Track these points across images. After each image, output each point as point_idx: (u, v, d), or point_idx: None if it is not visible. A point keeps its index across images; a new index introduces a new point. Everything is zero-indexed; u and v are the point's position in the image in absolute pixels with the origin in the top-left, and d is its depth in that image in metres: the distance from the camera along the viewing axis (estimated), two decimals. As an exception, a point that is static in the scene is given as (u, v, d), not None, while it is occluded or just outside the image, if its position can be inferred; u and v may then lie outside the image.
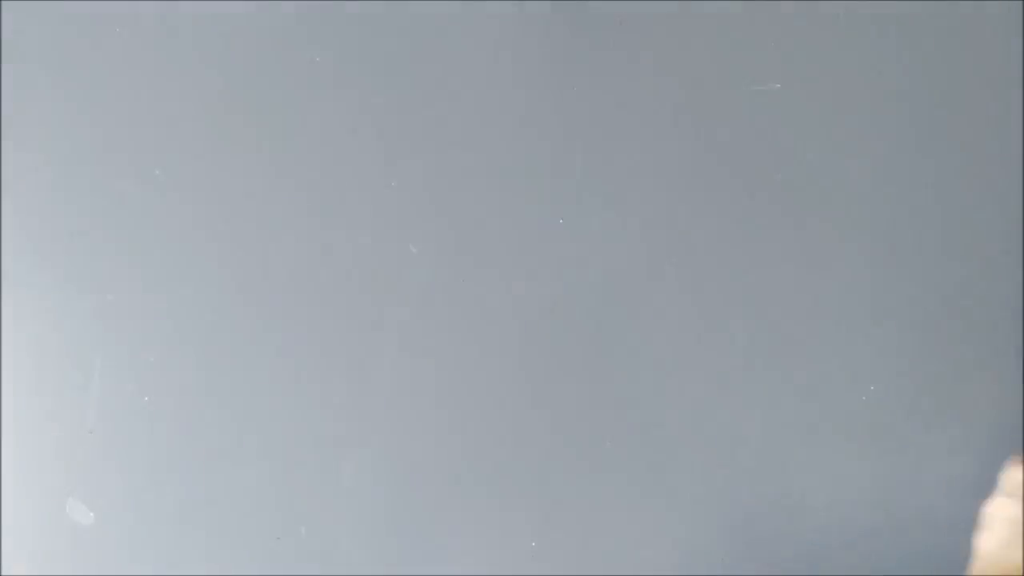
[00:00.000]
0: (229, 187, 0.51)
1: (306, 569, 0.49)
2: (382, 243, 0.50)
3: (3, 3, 0.50)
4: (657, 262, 0.49)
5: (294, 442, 0.49)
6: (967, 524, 0.43)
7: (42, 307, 0.51)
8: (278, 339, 0.49)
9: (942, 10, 0.46)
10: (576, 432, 0.45)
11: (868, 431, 0.47)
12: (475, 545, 0.47)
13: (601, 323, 0.49)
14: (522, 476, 0.48)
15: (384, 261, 0.50)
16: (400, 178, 0.50)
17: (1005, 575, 0.41)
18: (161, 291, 0.49)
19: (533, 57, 0.49)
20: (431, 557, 0.48)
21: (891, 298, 0.47)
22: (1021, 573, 0.41)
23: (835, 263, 0.47)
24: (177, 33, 0.50)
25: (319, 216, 0.50)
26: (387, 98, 0.50)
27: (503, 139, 0.50)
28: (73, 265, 0.51)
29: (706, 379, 0.47)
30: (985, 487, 0.43)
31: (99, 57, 0.51)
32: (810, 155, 0.47)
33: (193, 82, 0.50)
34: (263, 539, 0.49)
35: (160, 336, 0.47)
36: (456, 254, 0.50)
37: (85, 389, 0.50)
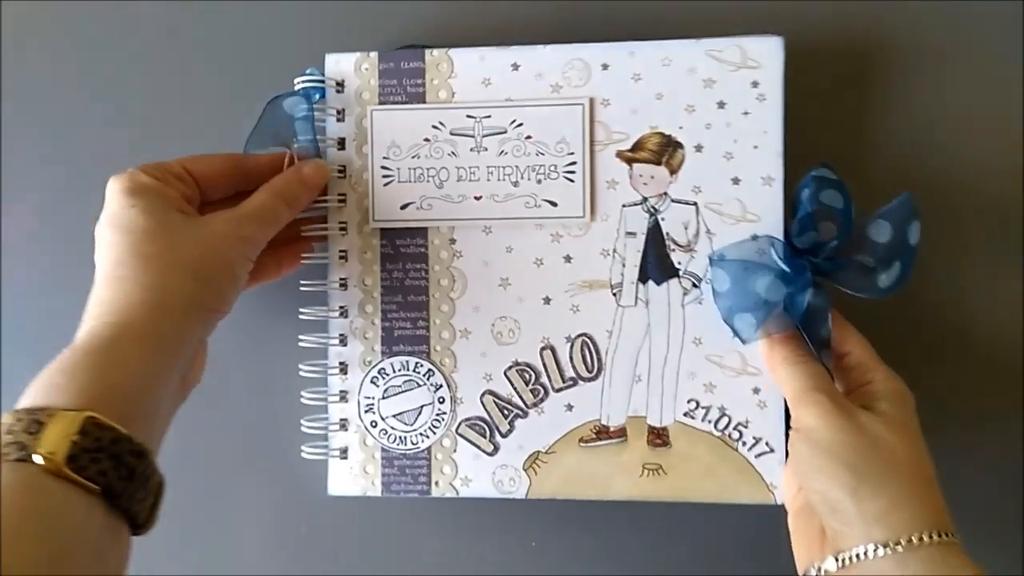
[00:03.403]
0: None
1: (306, 569, 0.50)
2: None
3: (3, 3, 0.52)
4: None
5: (295, 441, 0.48)
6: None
7: (42, 307, 0.51)
8: (279, 338, 0.49)
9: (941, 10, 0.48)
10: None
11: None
12: (476, 544, 0.50)
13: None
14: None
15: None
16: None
17: None
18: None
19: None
20: (432, 557, 0.50)
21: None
22: None
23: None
24: (179, 33, 0.51)
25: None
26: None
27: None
28: (73, 264, 0.48)
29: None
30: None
31: (100, 56, 0.51)
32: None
33: (194, 82, 0.51)
34: (263, 539, 0.50)
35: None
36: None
37: None
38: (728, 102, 0.45)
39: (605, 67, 0.46)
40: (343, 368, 0.47)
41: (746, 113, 0.45)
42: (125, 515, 0.33)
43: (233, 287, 0.41)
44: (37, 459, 0.31)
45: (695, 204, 0.45)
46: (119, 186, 0.40)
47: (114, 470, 0.33)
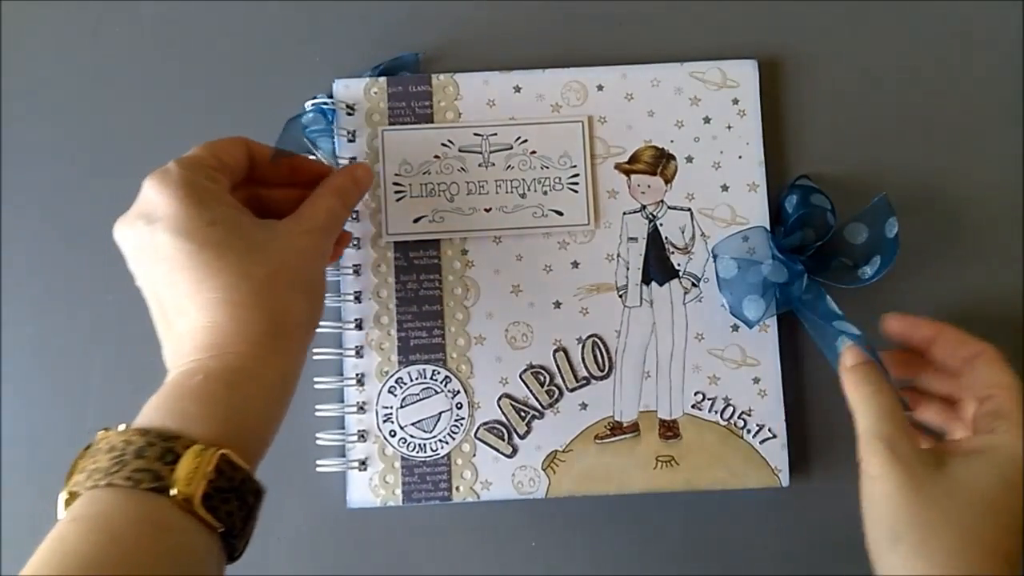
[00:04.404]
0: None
1: (307, 570, 0.49)
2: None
3: (3, 3, 0.52)
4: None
5: (294, 442, 0.48)
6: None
7: (42, 307, 0.50)
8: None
9: (941, 10, 0.52)
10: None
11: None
12: (476, 542, 0.49)
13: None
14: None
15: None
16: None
17: None
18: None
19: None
20: (432, 556, 0.49)
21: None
22: None
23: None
24: (179, 33, 0.52)
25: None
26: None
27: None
28: (73, 265, 0.50)
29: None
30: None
31: (99, 57, 0.51)
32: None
33: (194, 83, 0.52)
34: (263, 539, 0.47)
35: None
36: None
37: (85, 389, 0.49)
38: (713, 117, 0.50)
39: (600, 88, 0.50)
40: (360, 380, 0.48)
41: (729, 127, 0.50)
42: (229, 549, 0.33)
43: (324, 298, 0.41)
44: (171, 492, 0.31)
45: (689, 210, 0.49)
46: (179, 194, 0.36)
47: (239, 511, 0.32)
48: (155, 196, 0.37)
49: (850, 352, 0.41)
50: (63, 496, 0.32)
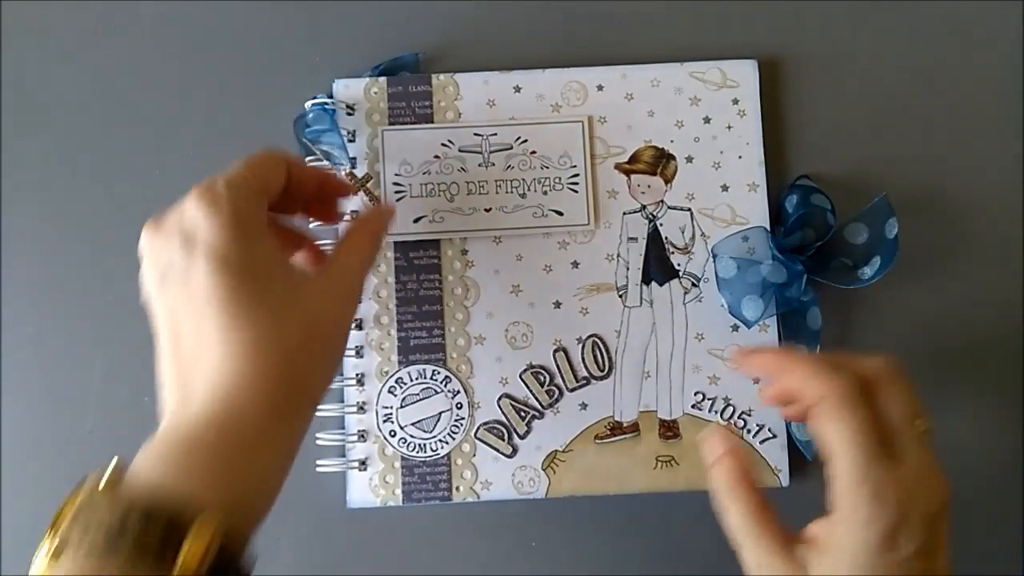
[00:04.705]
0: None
1: (307, 570, 0.49)
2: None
3: (3, 3, 0.52)
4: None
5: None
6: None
7: (42, 307, 0.50)
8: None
9: (941, 10, 0.52)
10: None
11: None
12: (476, 542, 0.49)
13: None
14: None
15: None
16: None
17: None
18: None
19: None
20: (432, 556, 0.49)
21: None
22: None
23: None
24: (179, 33, 0.52)
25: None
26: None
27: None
28: (73, 265, 0.50)
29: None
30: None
31: (99, 57, 0.52)
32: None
33: (193, 82, 0.52)
34: (262, 539, 0.49)
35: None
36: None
37: (85, 389, 0.50)
38: (713, 118, 0.50)
39: (600, 88, 0.50)
40: (360, 380, 0.48)
41: (729, 127, 0.50)
42: None
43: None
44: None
45: (689, 210, 0.49)
46: (228, 222, 0.34)
47: None
48: (201, 218, 0.34)
49: (711, 442, 0.39)
50: (50, 543, 0.30)
